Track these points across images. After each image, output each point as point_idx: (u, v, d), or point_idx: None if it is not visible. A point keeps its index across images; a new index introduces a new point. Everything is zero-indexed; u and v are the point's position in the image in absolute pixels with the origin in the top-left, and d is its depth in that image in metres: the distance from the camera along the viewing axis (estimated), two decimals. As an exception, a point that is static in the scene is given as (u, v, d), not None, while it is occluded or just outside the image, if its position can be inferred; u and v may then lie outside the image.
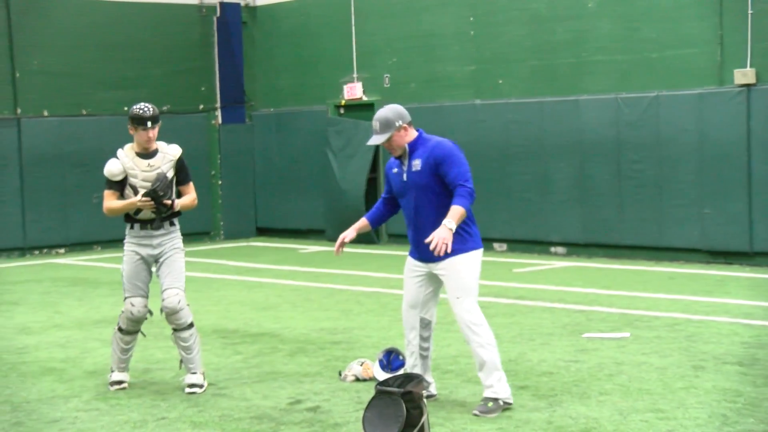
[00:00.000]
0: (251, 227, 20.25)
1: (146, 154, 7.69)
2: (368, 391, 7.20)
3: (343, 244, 7.15)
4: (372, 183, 18.25)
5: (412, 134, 6.94)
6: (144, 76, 19.15)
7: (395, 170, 7.04)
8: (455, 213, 6.59)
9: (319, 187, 19.07)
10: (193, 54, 19.74)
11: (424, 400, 6.13)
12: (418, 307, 7.06)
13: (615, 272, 13.81)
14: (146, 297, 7.72)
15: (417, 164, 6.85)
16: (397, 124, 6.89)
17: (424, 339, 7.09)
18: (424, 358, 7.11)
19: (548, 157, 15.79)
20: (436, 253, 6.53)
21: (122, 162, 7.70)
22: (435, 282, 7.04)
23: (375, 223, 7.30)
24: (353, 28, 18.53)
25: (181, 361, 7.78)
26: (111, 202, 7.75)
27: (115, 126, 18.73)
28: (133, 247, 7.71)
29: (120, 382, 7.77)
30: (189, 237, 19.37)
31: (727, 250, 14.06)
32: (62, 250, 18.22)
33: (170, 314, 7.59)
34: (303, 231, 19.49)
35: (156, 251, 7.69)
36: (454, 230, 6.56)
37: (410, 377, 6.17)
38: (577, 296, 11.71)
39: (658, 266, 14.19)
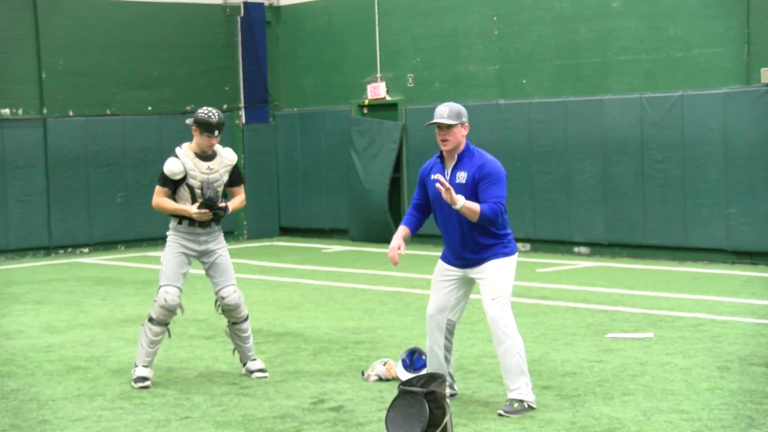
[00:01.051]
0: (275, 227, 20.29)
1: (205, 156, 7.87)
2: (391, 391, 7.20)
3: (398, 254, 7.11)
4: (395, 183, 18.25)
5: (464, 141, 6.97)
6: (168, 75, 19.22)
7: (434, 176, 6.93)
8: (474, 206, 6.62)
9: (343, 186, 19.09)
10: (217, 54, 19.80)
11: (447, 399, 6.13)
12: (446, 311, 7.06)
13: (639, 272, 13.75)
14: (180, 290, 7.87)
15: (462, 177, 6.83)
16: (463, 120, 6.95)
17: (449, 341, 7.10)
18: (447, 360, 7.11)
19: (572, 157, 15.74)
20: (448, 200, 6.57)
21: (183, 162, 7.82)
22: (467, 286, 7.06)
23: (414, 230, 7.26)
24: (377, 27, 18.53)
25: (234, 351, 8.19)
26: (163, 200, 7.90)
27: (140, 125, 18.88)
28: (177, 239, 7.91)
29: (144, 379, 7.81)
30: (213, 236, 19.57)
31: (752, 251, 13.98)
32: (87, 250, 18.31)
33: (231, 309, 7.96)
34: (326, 231, 19.51)
35: (200, 248, 7.92)
36: (459, 204, 6.57)
37: (433, 377, 6.16)
38: (601, 296, 11.67)
39: (682, 266, 14.12)
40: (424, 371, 7.68)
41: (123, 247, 18.60)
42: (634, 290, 12.05)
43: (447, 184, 6.59)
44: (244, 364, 8.14)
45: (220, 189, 7.94)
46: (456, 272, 7.01)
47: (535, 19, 16.26)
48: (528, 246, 16.36)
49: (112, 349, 9.41)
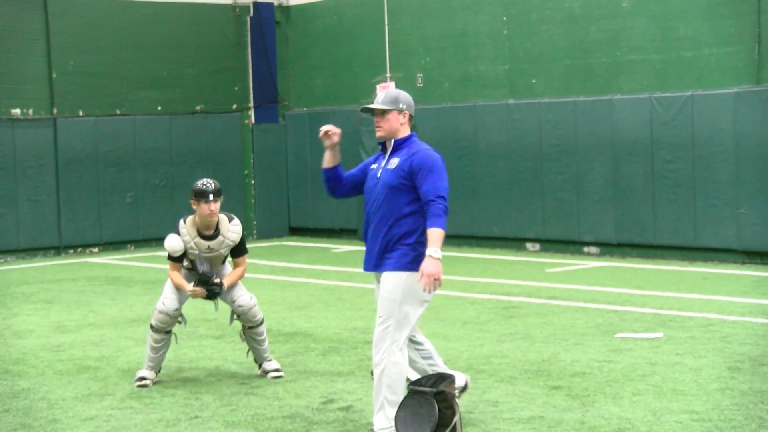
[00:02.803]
0: (284, 227, 20.30)
1: (208, 235, 7.88)
2: (400, 391, 7.19)
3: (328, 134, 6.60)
4: (405, 182, 18.22)
5: (405, 130, 6.46)
6: (178, 75, 19.25)
7: (374, 165, 6.54)
8: (436, 238, 5.96)
9: (352, 186, 19.06)
10: (227, 54, 19.82)
11: (457, 399, 6.12)
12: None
13: (648, 272, 13.72)
14: (180, 302, 7.96)
15: (393, 163, 6.36)
16: (400, 106, 6.45)
17: (422, 345, 6.55)
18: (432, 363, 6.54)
19: (582, 157, 15.72)
20: (428, 291, 5.95)
21: (183, 239, 7.87)
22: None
23: (339, 173, 6.66)
24: (386, 27, 18.53)
25: (248, 352, 8.28)
26: (171, 273, 8.00)
27: (150, 125, 18.91)
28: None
29: (142, 379, 7.89)
30: (222, 236, 19.59)
31: (763, 251, 13.93)
32: (96, 249, 18.35)
33: (245, 313, 8.01)
34: (336, 230, 19.52)
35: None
36: (440, 258, 5.92)
37: (443, 377, 6.15)
38: (611, 296, 11.65)
39: (692, 266, 14.09)
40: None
41: (133, 247, 18.63)
42: (644, 290, 12.03)
43: (424, 284, 5.88)
44: (260, 365, 8.16)
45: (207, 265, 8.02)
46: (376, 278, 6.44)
47: (545, 18, 16.24)
48: (538, 246, 16.34)
49: (122, 348, 9.42)
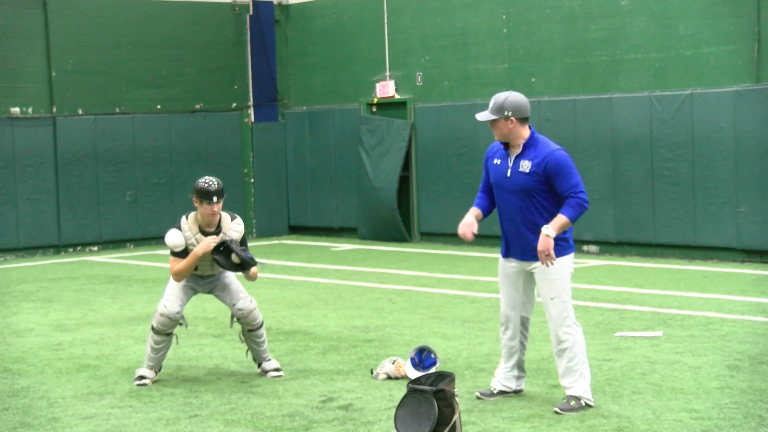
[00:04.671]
0: (284, 225, 20.29)
1: (210, 232, 7.85)
2: (400, 390, 7.20)
3: (471, 232, 6.99)
4: (404, 181, 18.24)
5: (523, 132, 6.82)
6: (177, 74, 19.25)
7: (498, 161, 6.94)
8: (558, 221, 6.62)
9: (352, 185, 19.09)
10: (227, 52, 19.82)
11: (456, 398, 6.12)
12: (518, 308, 7.02)
13: (648, 271, 13.73)
14: (182, 305, 7.91)
15: (526, 165, 6.76)
16: (506, 113, 6.76)
17: (525, 336, 7.09)
18: (520, 355, 7.11)
19: (581, 156, 15.70)
20: (547, 266, 6.65)
21: (184, 235, 7.84)
22: (530, 280, 6.97)
23: (486, 211, 7.15)
24: (386, 26, 18.52)
25: (248, 352, 8.24)
26: (178, 265, 7.84)
27: (150, 124, 18.91)
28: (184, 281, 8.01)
29: (142, 378, 7.89)
30: (222, 235, 19.59)
31: (762, 249, 13.94)
32: (96, 248, 18.34)
33: (245, 316, 7.96)
34: (335, 229, 19.52)
35: (205, 288, 8.09)
36: (552, 237, 6.57)
37: (442, 375, 6.16)
38: (610, 295, 11.65)
39: (691, 265, 14.09)
40: (433, 369, 7.68)
41: (132, 246, 18.63)
42: (644, 289, 12.03)
43: (546, 253, 6.63)
44: (259, 365, 8.15)
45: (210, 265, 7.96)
46: (515, 266, 6.97)
47: (544, 17, 16.24)
48: (537, 244, 16.32)
49: (122, 347, 9.42)
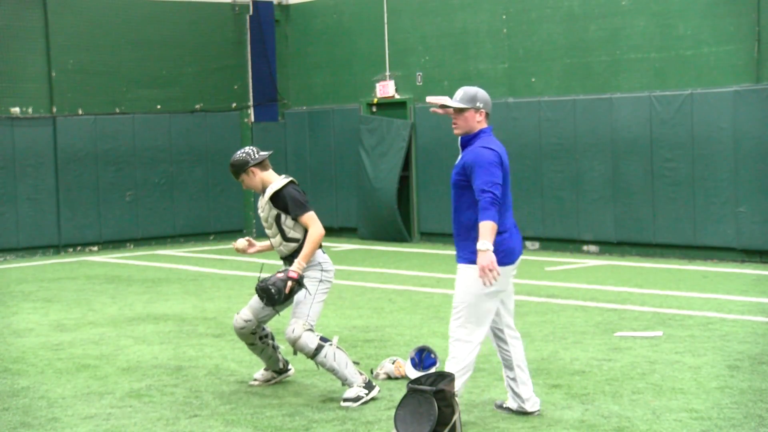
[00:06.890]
0: (284, 225, 20.26)
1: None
2: (400, 389, 7.20)
3: None
4: (404, 181, 18.24)
5: (480, 127, 6.46)
6: (177, 74, 19.26)
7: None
8: (484, 231, 6.09)
9: (352, 185, 19.10)
10: (227, 52, 19.83)
11: (456, 398, 6.12)
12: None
13: (648, 271, 13.73)
14: (254, 312, 7.61)
15: (458, 160, 6.52)
16: (477, 105, 6.43)
17: (504, 350, 6.73)
18: (510, 363, 6.70)
19: (581, 156, 15.72)
20: (484, 284, 6.12)
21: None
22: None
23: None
24: (386, 26, 18.53)
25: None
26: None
27: (150, 124, 18.92)
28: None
29: (255, 380, 7.82)
30: (221, 235, 19.61)
31: (762, 249, 13.94)
32: (96, 248, 18.35)
33: (291, 345, 7.31)
34: (335, 229, 19.52)
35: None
36: (491, 249, 6.05)
37: (442, 375, 6.16)
38: (610, 295, 11.65)
39: (691, 265, 14.09)
40: (433, 369, 7.68)
41: (132, 246, 18.63)
42: (644, 289, 12.03)
43: (480, 276, 6.09)
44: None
45: (276, 237, 8.03)
46: None
47: (544, 17, 16.24)
48: (537, 244, 16.35)
49: (122, 347, 9.42)
